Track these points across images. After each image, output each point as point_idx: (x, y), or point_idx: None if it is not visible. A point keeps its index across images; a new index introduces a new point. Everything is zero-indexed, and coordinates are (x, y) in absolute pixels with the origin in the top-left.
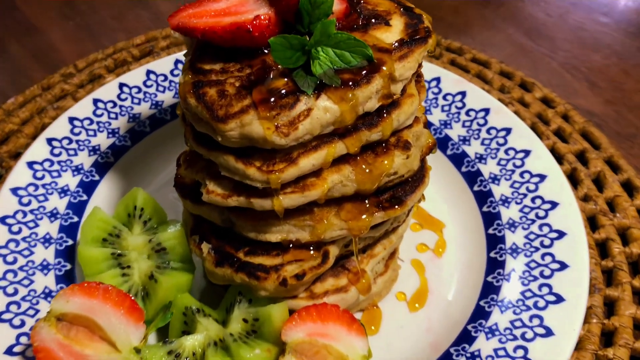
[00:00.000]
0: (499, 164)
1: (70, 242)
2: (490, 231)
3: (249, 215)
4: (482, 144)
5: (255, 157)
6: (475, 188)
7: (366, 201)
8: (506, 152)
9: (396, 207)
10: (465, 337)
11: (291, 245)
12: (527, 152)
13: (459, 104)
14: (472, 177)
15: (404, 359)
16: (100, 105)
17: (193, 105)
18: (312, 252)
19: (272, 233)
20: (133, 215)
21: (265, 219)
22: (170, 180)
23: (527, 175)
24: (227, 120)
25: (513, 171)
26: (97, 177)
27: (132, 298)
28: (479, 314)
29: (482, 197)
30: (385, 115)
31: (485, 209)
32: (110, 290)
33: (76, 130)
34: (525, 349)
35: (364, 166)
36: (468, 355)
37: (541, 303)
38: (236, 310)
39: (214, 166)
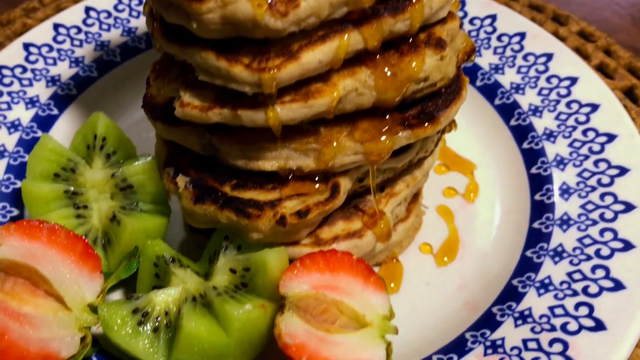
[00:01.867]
0: (539, 93)
1: (19, 184)
2: (534, 170)
3: (235, 137)
4: (519, 72)
5: (243, 52)
6: (512, 122)
7: (387, 117)
8: (548, 80)
9: (426, 124)
10: (510, 294)
11: (291, 177)
12: (573, 80)
13: (489, 29)
14: (507, 111)
15: (433, 323)
16: (62, 31)
17: None
18: (317, 185)
19: (266, 160)
20: (93, 146)
21: (256, 142)
22: (144, 118)
23: (575, 106)
24: None
25: (558, 101)
26: (55, 112)
27: (87, 241)
28: (526, 266)
29: (521, 133)
30: None
31: (525, 145)
32: (57, 230)
33: (32, 57)
34: (590, 307)
35: (386, 68)
36: (516, 314)
37: (605, 251)
38: (221, 259)
39: (190, 73)
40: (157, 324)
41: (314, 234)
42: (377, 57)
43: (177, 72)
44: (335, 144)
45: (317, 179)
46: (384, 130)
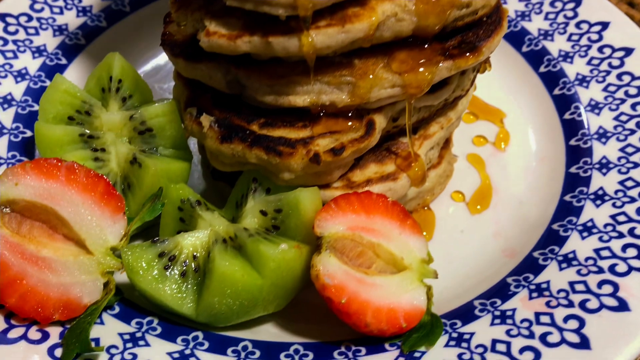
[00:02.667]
0: (569, 39)
1: (29, 133)
2: (567, 116)
3: (264, 71)
4: (546, 18)
5: None
6: (542, 69)
7: (426, 47)
8: (577, 25)
9: (468, 54)
10: (551, 238)
11: (323, 114)
12: (604, 25)
13: None
14: (536, 58)
15: (470, 269)
16: None
17: None
18: (350, 122)
19: (297, 95)
20: (108, 89)
21: (287, 76)
22: (155, 69)
23: (607, 50)
24: None
25: (589, 47)
26: (63, 61)
27: (108, 181)
28: (566, 210)
29: (552, 79)
30: None
31: (557, 91)
32: (77, 169)
33: (37, 6)
34: (639, 248)
35: None
36: (560, 258)
37: None
38: (250, 202)
39: (214, 2)
40: (184, 268)
41: (345, 177)
42: None
43: (200, 2)
44: (371, 76)
45: (350, 116)
46: (423, 61)
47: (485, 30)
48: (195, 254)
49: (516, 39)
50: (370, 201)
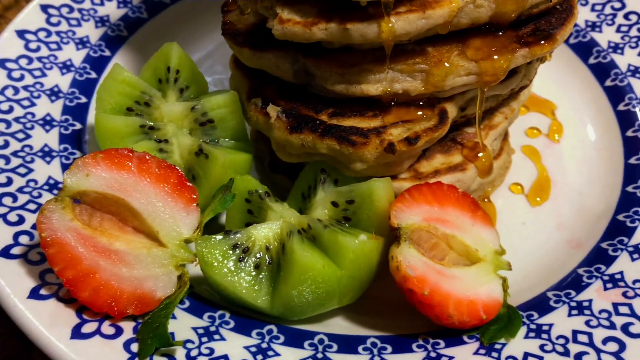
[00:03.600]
0: (618, 30)
1: (78, 125)
2: (622, 107)
3: (335, 60)
4: (593, 10)
5: None
6: (592, 60)
7: (500, 34)
8: (626, 16)
9: (543, 42)
10: (618, 229)
11: (394, 103)
12: None
13: None
14: (585, 49)
15: (537, 261)
16: None
17: None
18: (420, 111)
19: (370, 83)
20: (166, 79)
21: (359, 64)
22: (198, 62)
23: None
24: None
25: (639, 37)
26: (107, 53)
27: (180, 171)
28: (630, 201)
29: (602, 70)
30: None
31: (608, 83)
32: (149, 159)
33: None
34: None
35: None
36: (631, 249)
37: None
38: (320, 193)
39: None
40: (258, 260)
41: (412, 168)
42: None
43: None
44: (446, 63)
45: (421, 105)
46: (498, 48)
47: (557, 18)
48: (268, 245)
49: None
50: (441, 192)
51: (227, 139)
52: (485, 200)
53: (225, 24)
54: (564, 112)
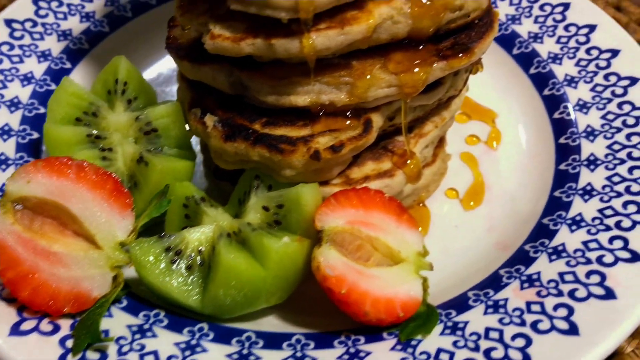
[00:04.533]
0: (558, 41)
1: (35, 135)
2: (557, 115)
3: (266, 73)
4: (536, 22)
5: None
6: (532, 71)
7: (420, 48)
8: (566, 28)
9: (461, 55)
10: (542, 232)
11: (322, 113)
12: (591, 27)
13: None
14: (526, 59)
15: (465, 262)
16: None
17: None
18: (348, 121)
19: (298, 95)
20: (114, 91)
21: (288, 77)
22: (157, 73)
23: (595, 52)
24: None
25: (577, 48)
26: (68, 65)
27: (116, 178)
28: (556, 205)
29: (542, 80)
30: None
31: (546, 92)
32: (86, 167)
33: (42, 12)
34: (625, 240)
35: None
36: (550, 250)
37: (635, 187)
38: (253, 198)
39: (219, 5)
40: (190, 262)
41: (344, 174)
42: None
43: (204, 7)
44: (368, 76)
45: (348, 115)
46: (418, 61)
47: (477, 32)
48: (200, 248)
49: (507, 41)
50: (368, 197)
51: (170, 147)
52: (421, 204)
53: (169, 38)
54: (503, 120)
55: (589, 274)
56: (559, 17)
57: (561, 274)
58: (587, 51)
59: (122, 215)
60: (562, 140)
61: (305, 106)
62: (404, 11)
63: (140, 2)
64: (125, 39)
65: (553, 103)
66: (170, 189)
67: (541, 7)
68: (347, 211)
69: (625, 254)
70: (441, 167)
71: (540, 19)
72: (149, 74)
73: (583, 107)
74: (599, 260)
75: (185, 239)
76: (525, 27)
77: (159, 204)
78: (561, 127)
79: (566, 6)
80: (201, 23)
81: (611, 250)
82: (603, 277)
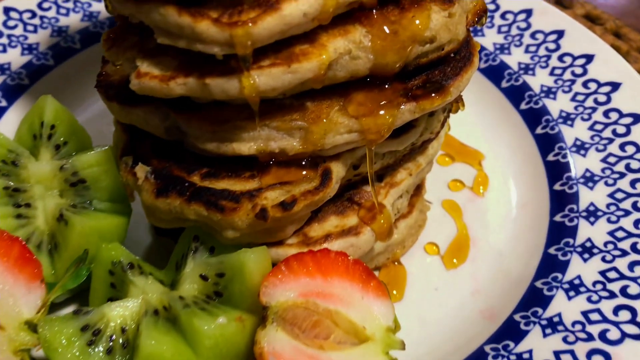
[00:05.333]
0: (552, 73)
1: None
2: (551, 157)
3: (205, 116)
4: (527, 51)
5: (211, 5)
6: (523, 106)
7: (386, 87)
8: (560, 58)
9: (433, 95)
10: (534, 298)
11: (272, 162)
12: (589, 57)
13: (491, 6)
14: (517, 93)
15: (445, 335)
16: (13, 15)
17: None
18: (304, 171)
19: (242, 142)
20: (40, 135)
21: (230, 121)
22: (105, 110)
23: (593, 85)
24: None
25: (573, 81)
26: (3, 103)
27: (24, 243)
28: (551, 265)
29: (534, 117)
30: None
31: (539, 130)
32: None
33: None
34: (633, 310)
35: (385, 27)
36: (544, 322)
37: None
38: (190, 264)
39: (149, 39)
40: (111, 343)
41: (301, 232)
42: (374, 12)
43: (134, 40)
44: (325, 120)
45: (303, 164)
46: (383, 103)
47: (453, 67)
48: (124, 326)
49: (495, 73)
50: (327, 261)
51: (101, 201)
52: (395, 262)
53: (101, 74)
54: (491, 162)
55: (590, 354)
56: (552, 46)
57: (557, 354)
58: (585, 84)
59: (30, 288)
60: (557, 187)
61: (252, 155)
62: (363, 45)
63: (91, 32)
64: (71, 73)
65: (547, 143)
66: (95, 252)
67: (533, 35)
68: (301, 281)
69: (634, 329)
70: (419, 219)
71: (532, 49)
72: (96, 110)
73: (581, 148)
74: (602, 336)
75: (104, 317)
76: (515, 58)
77: (76, 273)
78: (556, 171)
79: (560, 34)
80: (128, 58)
81: (616, 324)
82: (608, 358)
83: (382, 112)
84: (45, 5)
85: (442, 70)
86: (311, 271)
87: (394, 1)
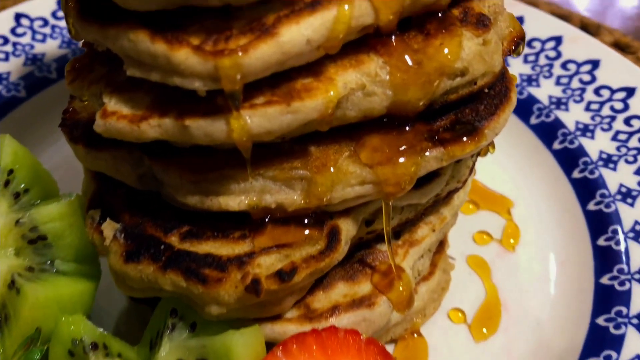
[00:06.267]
0: (588, 108)
1: None
2: (592, 206)
3: (186, 163)
4: (558, 83)
5: (191, 29)
6: (556, 146)
7: (407, 129)
8: (597, 92)
9: (465, 139)
10: None
11: (268, 219)
12: (629, 91)
13: None
14: (548, 131)
15: None
16: None
17: None
18: (307, 230)
19: (231, 195)
20: None
21: (217, 169)
22: None
23: (636, 123)
24: None
25: (613, 117)
26: None
27: None
28: (601, 339)
29: (569, 158)
30: None
31: (576, 174)
32: None
33: None
34: None
35: (406, 55)
36: None
37: None
38: (166, 344)
39: (119, 70)
40: None
41: (302, 303)
42: (393, 39)
43: (102, 72)
44: (332, 169)
45: (306, 222)
46: (403, 148)
47: (487, 105)
48: None
49: (523, 108)
50: (335, 342)
51: (65, 261)
52: (415, 334)
53: (67, 111)
54: (521, 210)
55: None
56: (587, 77)
57: None
58: (626, 121)
59: None
60: (601, 242)
61: (243, 210)
62: (380, 78)
63: (69, 59)
64: (45, 105)
65: (586, 189)
66: (52, 327)
67: (564, 66)
68: None
69: None
70: (442, 280)
71: (564, 80)
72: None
73: (627, 196)
74: None
75: None
76: (544, 90)
77: (25, 356)
78: (599, 222)
79: (595, 64)
80: (94, 94)
81: None
82: None
83: (402, 159)
84: (20, 30)
85: (474, 108)
86: (315, 356)
87: (416, 24)
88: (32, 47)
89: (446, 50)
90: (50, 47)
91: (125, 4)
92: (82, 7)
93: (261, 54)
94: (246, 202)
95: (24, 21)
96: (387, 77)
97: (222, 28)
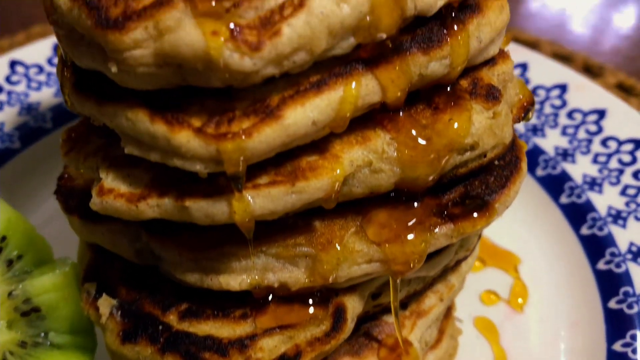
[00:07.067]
0: (595, 161)
1: None
2: (602, 266)
3: (185, 240)
4: (564, 133)
5: (192, 110)
6: (564, 200)
7: (415, 205)
8: (604, 143)
9: (475, 214)
10: None
11: (271, 299)
12: (637, 142)
13: None
14: (555, 184)
15: None
16: None
17: (65, 8)
18: (312, 309)
19: (232, 274)
20: None
21: (217, 246)
22: None
23: None
24: (126, 23)
25: (621, 171)
26: None
27: None
28: None
29: (577, 213)
30: (454, 25)
31: (585, 231)
32: None
33: None
34: None
35: (414, 131)
36: None
37: None
38: None
39: (117, 144)
40: None
41: None
42: (401, 114)
43: (99, 143)
44: (338, 246)
45: (310, 301)
46: (412, 224)
47: (497, 177)
48: None
49: (528, 159)
50: None
51: (60, 333)
52: None
53: (62, 177)
54: (529, 268)
55: None
56: (593, 127)
57: None
58: (635, 175)
59: None
60: (612, 305)
61: (244, 290)
62: (387, 155)
63: (65, 109)
64: (41, 156)
65: (595, 247)
66: None
67: (569, 115)
68: None
69: None
70: (449, 347)
71: (570, 130)
72: None
73: (638, 255)
74: None
75: None
76: (550, 141)
77: None
78: (610, 283)
79: (601, 114)
80: (91, 167)
81: None
82: None
83: (410, 236)
84: (14, 78)
85: (483, 180)
86: None
87: (425, 99)
88: (27, 95)
89: (456, 126)
90: (46, 96)
91: (123, 83)
92: (78, 80)
93: (265, 137)
94: (248, 281)
95: (19, 68)
96: (394, 153)
97: (224, 109)
